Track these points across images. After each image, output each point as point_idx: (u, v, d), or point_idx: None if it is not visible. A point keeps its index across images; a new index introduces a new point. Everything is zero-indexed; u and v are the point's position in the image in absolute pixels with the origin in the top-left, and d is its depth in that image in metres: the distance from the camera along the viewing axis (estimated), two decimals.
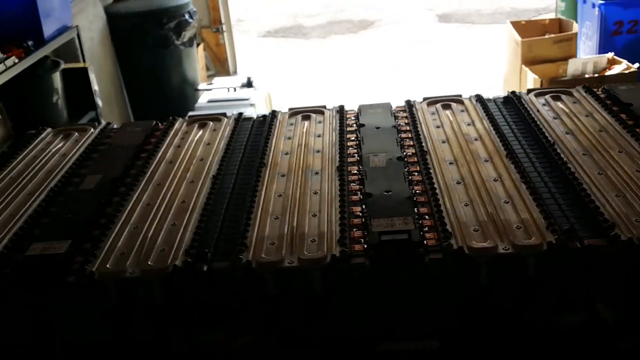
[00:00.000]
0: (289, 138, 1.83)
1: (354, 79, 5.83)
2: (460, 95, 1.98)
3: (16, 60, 2.89)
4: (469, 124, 1.81)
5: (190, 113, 3.31)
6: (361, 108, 1.95)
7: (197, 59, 5.10)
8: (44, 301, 1.35)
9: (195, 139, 1.90)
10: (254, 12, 8.30)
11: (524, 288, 1.31)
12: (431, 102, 1.96)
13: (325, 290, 1.29)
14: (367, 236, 1.32)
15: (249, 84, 4.68)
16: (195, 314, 1.36)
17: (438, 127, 1.81)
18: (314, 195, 1.51)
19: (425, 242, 1.31)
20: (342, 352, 1.39)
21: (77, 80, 3.53)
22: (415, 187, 1.51)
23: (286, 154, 1.73)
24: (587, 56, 4.78)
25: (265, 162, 1.69)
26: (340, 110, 1.95)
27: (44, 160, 1.84)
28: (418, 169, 1.58)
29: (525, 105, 1.86)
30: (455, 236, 1.30)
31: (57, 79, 3.34)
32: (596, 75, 4.35)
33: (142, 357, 1.41)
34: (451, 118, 1.85)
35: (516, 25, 4.89)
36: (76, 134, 2.01)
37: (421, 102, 1.97)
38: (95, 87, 3.61)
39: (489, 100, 1.94)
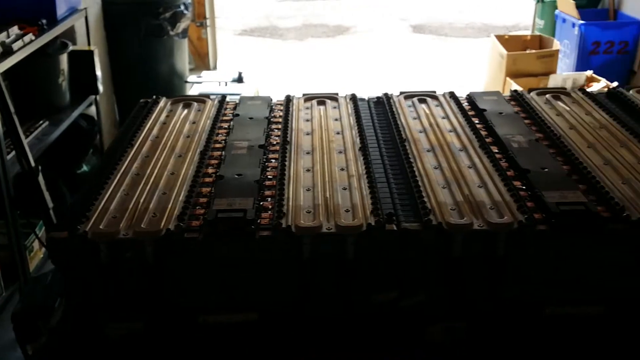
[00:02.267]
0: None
1: (335, 80, 5.95)
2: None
3: (33, 38, 2.92)
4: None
5: None
6: (241, 99, 2.04)
7: (187, 51, 5.14)
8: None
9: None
10: (227, 10, 8.38)
11: None
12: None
13: (158, 261, 1.38)
14: (207, 213, 1.42)
15: (239, 79, 4.75)
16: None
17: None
18: (171, 175, 1.62)
19: (259, 220, 1.41)
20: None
21: (80, 63, 3.56)
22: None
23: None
24: (566, 73, 5.00)
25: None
26: (222, 101, 2.04)
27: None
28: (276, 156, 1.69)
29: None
30: (287, 217, 1.42)
31: (64, 60, 3.37)
32: None
33: None
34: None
35: (500, 39, 5.10)
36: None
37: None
38: (98, 71, 3.65)
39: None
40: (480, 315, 1.49)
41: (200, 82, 4.84)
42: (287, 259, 1.41)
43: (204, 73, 5.25)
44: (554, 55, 4.84)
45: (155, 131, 1.86)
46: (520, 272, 1.44)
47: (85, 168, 3.95)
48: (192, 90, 4.71)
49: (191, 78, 4.97)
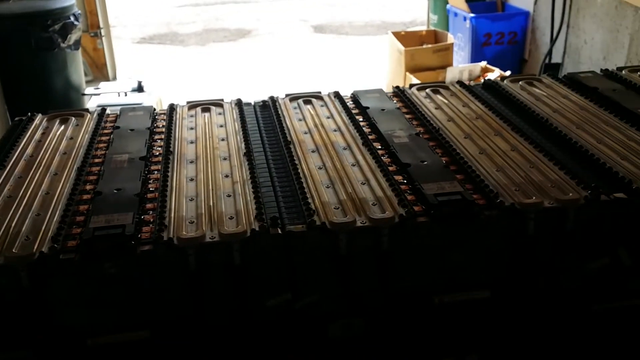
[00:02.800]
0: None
1: (238, 84, 5.92)
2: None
3: None
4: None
5: None
6: (122, 110, 2.01)
7: (82, 63, 4.97)
8: None
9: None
10: (124, 19, 8.19)
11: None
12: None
13: (35, 286, 1.34)
14: (83, 232, 1.37)
15: (140, 89, 4.63)
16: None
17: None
18: (45, 194, 1.56)
19: (139, 235, 1.37)
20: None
21: None
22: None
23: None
24: (462, 65, 5.17)
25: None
26: (101, 114, 2.00)
27: None
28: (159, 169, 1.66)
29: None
30: (169, 229, 1.39)
31: None
32: (471, 82, 4.73)
33: None
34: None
35: (397, 35, 5.21)
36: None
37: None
38: None
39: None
40: (375, 308, 1.52)
41: (98, 94, 4.68)
42: (172, 272, 1.38)
43: (102, 84, 5.08)
44: (449, 48, 5.00)
45: (29, 150, 1.78)
46: (407, 264, 1.48)
47: None
48: (91, 103, 4.54)
49: (88, 90, 4.80)
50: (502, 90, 2.07)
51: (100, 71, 6.01)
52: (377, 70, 5.90)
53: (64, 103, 4.63)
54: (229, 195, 1.53)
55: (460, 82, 2.15)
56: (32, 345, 1.41)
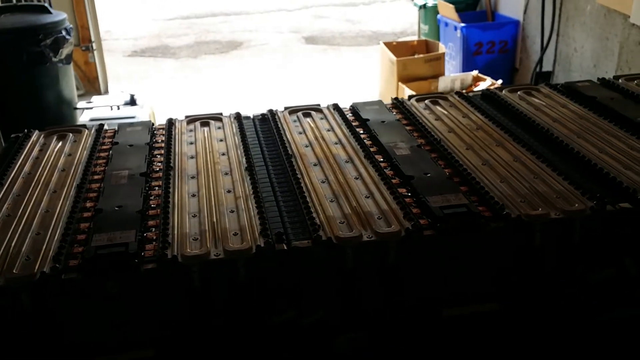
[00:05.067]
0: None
1: (232, 95, 5.91)
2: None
3: None
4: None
5: None
6: (120, 126, 1.99)
7: (74, 78, 4.95)
8: None
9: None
10: (116, 32, 8.17)
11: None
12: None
13: (37, 307, 1.32)
14: (85, 251, 1.35)
15: (132, 102, 4.61)
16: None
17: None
18: (45, 212, 1.53)
19: (142, 253, 1.35)
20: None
21: None
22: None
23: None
24: (454, 74, 5.19)
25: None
26: (99, 129, 1.98)
27: None
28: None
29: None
30: (173, 246, 1.37)
31: None
32: (464, 90, 4.75)
33: None
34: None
35: (389, 45, 5.23)
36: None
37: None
38: None
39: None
40: (382, 322, 1.50)
41: (90, 108, 4.66)
42: (176, 289, 1.36)
43: (95, 98, 5.06)
44: (440, 58, 5.01)
45: (27, 167, 1.76)
46: (413, 277, 1.46)
47: None
48: (83, 117, 4.52)
49: (81, 104, 4.78)
50: (501, 101, 2.07)
51: (92, 85, 5.98)
52: (370, 80, 5.91)
53: (56, 117, 4.60)
54: (232, 211, 1.51)
55: (459, 93, 2.15)
56: None
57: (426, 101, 2.10)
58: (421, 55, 5.10)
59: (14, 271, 1.31)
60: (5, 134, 4.50)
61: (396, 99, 2.14)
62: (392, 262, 1.42)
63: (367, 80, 6.01)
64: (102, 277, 1.32)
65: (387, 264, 1.42)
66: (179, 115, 2.05)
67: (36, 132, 1.96)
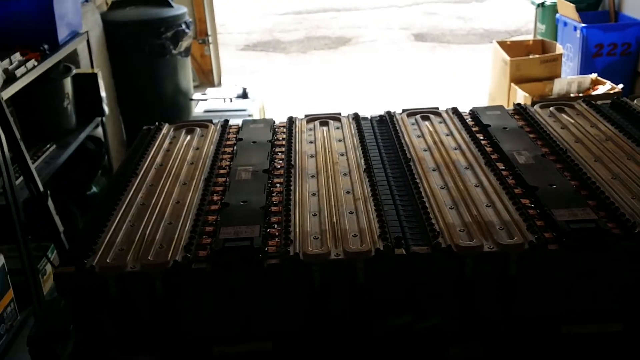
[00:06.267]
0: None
1: (339, 90, 5.96)
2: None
3: (35, 63, 2.94)
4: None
5: None
6: (244, 123, 2.04)
7: (191, 70, 5.16)
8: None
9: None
10: (230, 26, 8.41)
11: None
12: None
13: (167, 293, 1.38)
14: (213, 243, 1.41)
15: (244, 95, 4.76)
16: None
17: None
18: (176, 203, 1.61)
19: (266, 248, 1.39)
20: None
21: (84, 86, 3.58)
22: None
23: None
24: (570, 76, 4.97)
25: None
26: (224, 125, 2.04)
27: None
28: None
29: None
30: (295, 244, 1.40)
31: (68, 84, 3.39)
32: (580, 94, 4.55)
33: None
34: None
35: (502, 44, 5.08)
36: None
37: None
38: (103, 93, 3.66)
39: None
40: (497, 334, 1.47)
41: (205, 99, 4.85)
42: (296, 286, 1.40)
43: (209, 90, 5.26)
44: (557, 59, 4.81)
45: (159, 159, 1.86)
46: (534, 291, 1.43)
47: (94, 189, 3.96)
48: (198, 108, 4.71)
49: (196, 95, 4.98)
50: (632, 111, 1.96)
51: (206, 77, 6.21)
52: (479, 79, 5.78)
53: (173, 107, 4.83)
54: (351, 212, 1.53)
55: (586, 101, 2.06)
56: (159, 351, 1.47)
57: (551, 108, 2.03)
58: (537, 56, 4.91)
59: (149, 258, 1.39)
60: (126, 121, 4.78)
61: (518, 104, 2.08)
62: (513, 274, 1.39)
63: (476, 79, 5.88)
64: (229, 269, 1.38)
65: (507, 275, 1.39)
66: (288, 110, 2.10)
67: (166, 125, 2.07)
